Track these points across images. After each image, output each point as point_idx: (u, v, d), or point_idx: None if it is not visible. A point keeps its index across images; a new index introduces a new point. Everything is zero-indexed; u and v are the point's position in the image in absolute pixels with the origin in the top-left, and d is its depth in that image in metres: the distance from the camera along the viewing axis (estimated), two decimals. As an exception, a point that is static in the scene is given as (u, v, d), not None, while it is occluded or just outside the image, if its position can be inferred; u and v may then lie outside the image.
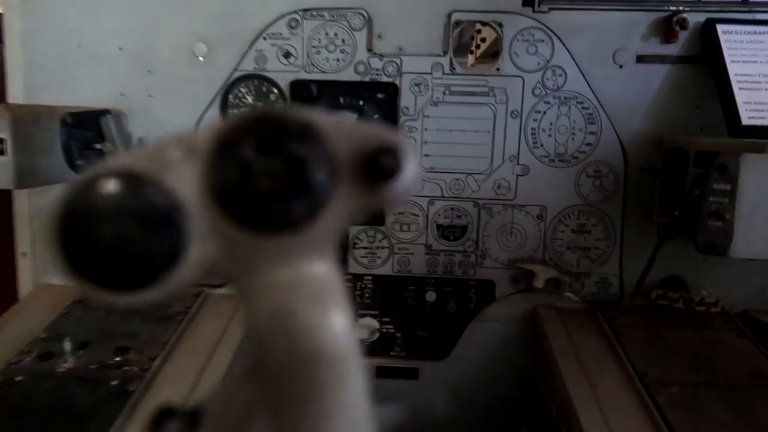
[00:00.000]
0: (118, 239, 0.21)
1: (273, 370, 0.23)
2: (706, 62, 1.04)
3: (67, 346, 0.91)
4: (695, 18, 1.04)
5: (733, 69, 0.99)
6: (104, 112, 1.03)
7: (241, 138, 0.22)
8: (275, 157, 0.22)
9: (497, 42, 1.10)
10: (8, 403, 0.81)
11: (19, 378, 0.86)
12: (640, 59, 1.06)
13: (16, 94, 1.11)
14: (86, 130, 1.00)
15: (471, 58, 1.39)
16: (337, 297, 0.24)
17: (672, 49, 1.06)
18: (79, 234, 0.21)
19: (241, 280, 0.23)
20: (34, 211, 1.16)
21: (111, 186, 0.22)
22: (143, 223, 0.21)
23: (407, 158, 0.23)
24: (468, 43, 1.27)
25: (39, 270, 1.18)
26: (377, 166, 0.22)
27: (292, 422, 0.23)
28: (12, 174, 0.84)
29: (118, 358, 0.92)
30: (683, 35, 1.05)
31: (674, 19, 1.03)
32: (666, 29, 1.05)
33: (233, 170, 0.22)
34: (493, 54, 1.22)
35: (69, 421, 0.80)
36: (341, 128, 0.23)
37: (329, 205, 0.23)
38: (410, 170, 0.23)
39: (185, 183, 0.22)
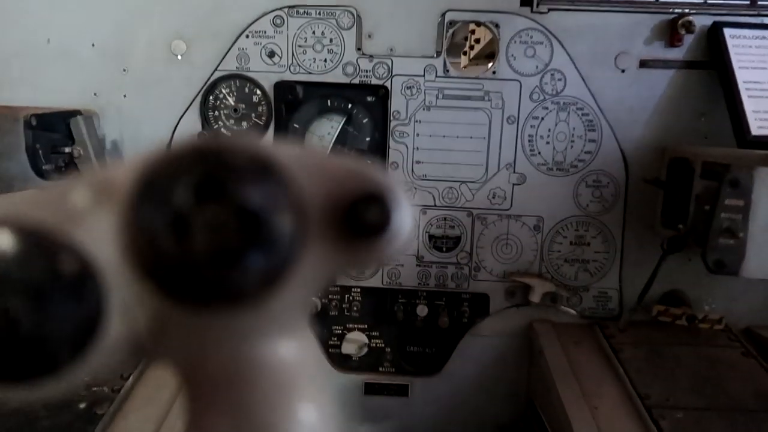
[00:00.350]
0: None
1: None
2: (713, 68, 0.99)
3: (31, 365, 0.84)
4: (701, 21, 0.99)
5: (741, 75, 0.94)
6: (74, 113, 0.96)
7: (173, 179, 0.16)
8: (220, 204, 0.16)
9: (492, 43, 1.04)
10: (-35, 428, 0.75)
11: (-24, 401, 0.80)
12: (643, 64, 1.01)
13: (-21, 92, 1.04)
14: (53, 132, 0.93)
15: (464, 60, 1.34)
16: (306, 388, 0.18)
17: (677, 54, 1.01)
18: None
19: (178, 367, 0.17)
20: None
21: (-7, 244, 0.16)
22: (38, 295, 0.15)
23: (399, 207, 0.17)
24: (461, 44, 1.21)
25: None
26: (360, 218, 0.16)
27: None
28: (-33, 181, 0.77)
29: (87, 378, 0.86)
30: (688, 39, 1.00)
31: (679, 22, 0.98)
32: (671, 32, 0.99)
33: (162, 223, 0.16)
34: (487, 55, 1.16)
35: (29, 450, 0.74)
36: (311, 164, 0.17)
37: (295, 269, 0.17)
38: (403, 223, 0.17)
39: (98, 239, 0.16)
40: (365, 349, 1.12)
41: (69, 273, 0.16)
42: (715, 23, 0.99)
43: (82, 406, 0.81)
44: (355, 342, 1.12)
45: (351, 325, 1.12)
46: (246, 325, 0.17)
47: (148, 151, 0.16)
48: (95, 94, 1.05)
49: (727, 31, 0.98)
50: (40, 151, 0.90)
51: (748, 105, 0.92)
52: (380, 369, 1.14)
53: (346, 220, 0.17)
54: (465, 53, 1.34)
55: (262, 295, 0.17)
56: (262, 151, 0.16)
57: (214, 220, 0.16)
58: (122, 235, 0.16)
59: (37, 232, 0.16)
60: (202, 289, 0.16)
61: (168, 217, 0.16)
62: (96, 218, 0.16)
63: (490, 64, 1.04)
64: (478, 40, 1.29)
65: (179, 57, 1.03)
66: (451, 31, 1.02)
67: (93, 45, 1.04)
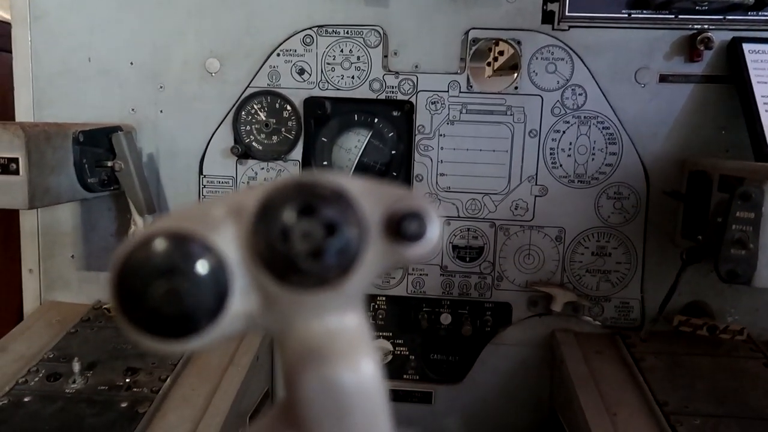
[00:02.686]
0: (167, 295, 0.25)
1: (308, 412, 0.26)
2: (732, 82, 1.07)
3: (76, 366, 0.95)
4: (720, 36, 1.07)
5: (759, 90, 1.02)
6: (115, 128, 1.08)
7: (283, 203, 0.25)
8: (312, 220, 0.25)
9: (516, 55, 1.13)
10: (16, 424, 0.85)
11: (26, 399, 0.91)
12: (663, 78, 1.09)
13: (23, 108, 1.17)
14: (97, 147, 1.04)
15: (488, 70, 1.44)
16: (365, 346, 0.27)
17: (696, 68, 1.09)
18: (132, 291, 0.25)
19: (279, 332, 0.27)
20: (42, 227, 1.20)
21: (161, 246, 0.25)
22: (190, 279, 0.25)
23: (432, 222, 0.26)
24: (485, 52, 1.30)
25: (45, 287, 1.22)
26: (403, 230, 0.26)
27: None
28: (26, 194, 0.88)
29: (127, 379, 0.96)
30: (708, 54, 1.08)
31: (699, 37, 1.06)
32: (690, 48, 1.08)
33: (275, 232, 0.25)
34: (512, 66, 1.25)
35: (78, 444, 0.84)
36: (371, 192, 0.27)
37: (360, 264, 0.26)
38: (434, 233, 0.26)
39: (229, 242, 0.26)
40: (390, 357, 1.21)
41: (209, 265, 0.26)
42: (734, 38, 1.07)
43: (124, 405, 0.91)
44: (380, 349, 1.20)
45: (376, 333, 1.21)
46: (326, 301, 0.26)
47: (267, 183, 0.26)
48: (133, 110, 1.16)
49: (746, 46, 1.06)
50: (86, 165, 1.01)
51: (766, 119, 0.99)
52: (404, 376, 1.23)
53: (394, 231, 0.26)
54: (489, 64, 1.44)
55: (338, 281, 0.26)
56: (338, 184, 0.26)
57: (308, 231, 0.25)
58: (247, 240, 0.26)
59: (188, 237, 0.26)
60: (299, 276, 0.26)
61: (279, 228, 0.25)
62: (228, 228, 0.26)
63: (515, 74, 1.13)
64: (501, 52, 1.39)
65: (213, 74, 1.14)
66: (474, 48, 1.11)
67: (131, 63, 1.15)
